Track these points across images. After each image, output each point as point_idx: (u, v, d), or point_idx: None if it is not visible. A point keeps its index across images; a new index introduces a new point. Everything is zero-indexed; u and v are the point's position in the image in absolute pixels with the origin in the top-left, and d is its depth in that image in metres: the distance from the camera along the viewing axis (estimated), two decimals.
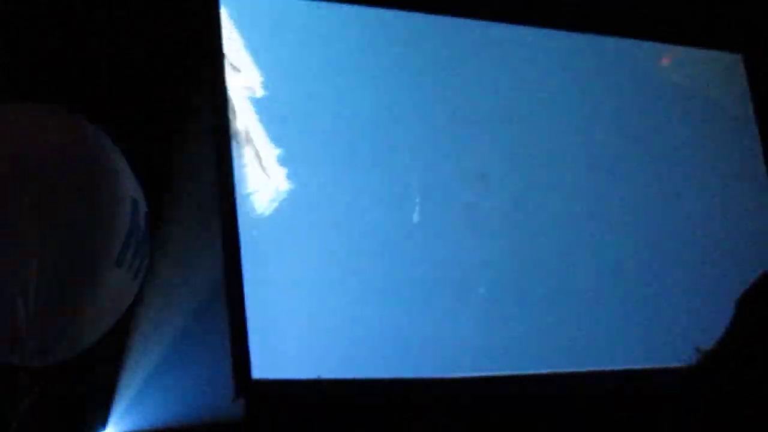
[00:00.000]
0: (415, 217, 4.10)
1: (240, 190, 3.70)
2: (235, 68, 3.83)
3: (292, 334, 3.66)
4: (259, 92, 3.88)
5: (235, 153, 3.73)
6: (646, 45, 4.83)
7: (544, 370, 4.02)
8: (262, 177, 3.76)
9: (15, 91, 3.17)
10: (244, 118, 3.80)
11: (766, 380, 1.14)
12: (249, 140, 3.76)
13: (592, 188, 4.40)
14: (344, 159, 3.94)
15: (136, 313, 3.43)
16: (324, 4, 4.07)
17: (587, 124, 4.56)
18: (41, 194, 2.69)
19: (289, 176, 3.82)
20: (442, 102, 4.21)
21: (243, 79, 3.84)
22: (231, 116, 3.71)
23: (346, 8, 4.10)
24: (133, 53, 3.62)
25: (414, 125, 4.11)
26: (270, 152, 3.81)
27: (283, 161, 3.83)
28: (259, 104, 3.86)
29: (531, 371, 4.01)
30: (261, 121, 3.84)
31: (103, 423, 3.43)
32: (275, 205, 3.81)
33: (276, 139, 3.84)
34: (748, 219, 4.71)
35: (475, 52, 4.36)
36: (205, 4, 3.81)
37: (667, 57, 4.88)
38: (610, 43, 4.74)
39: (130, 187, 2.89)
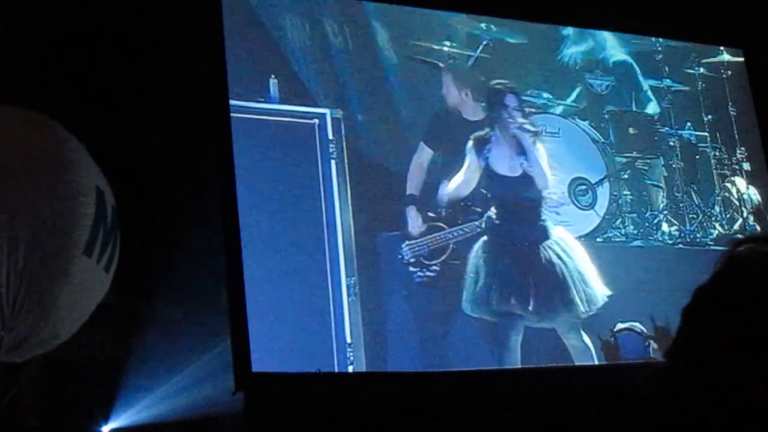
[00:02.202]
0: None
1: (240, 186, 3.81)
2: None
3: (292, 329, 3.71)
4: None
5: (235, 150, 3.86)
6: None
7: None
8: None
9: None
10: None
11: (723, 378, 1.14)
12: None
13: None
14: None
15: (137, 309, 3.46)
16: None
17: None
18: (2, 187, 2.71)
19: None
20: None
21: None
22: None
23: None
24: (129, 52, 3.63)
25: None
26: None
27: None
28: None
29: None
30: None
31: (105, 417, 3.45)
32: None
33: None
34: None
35: None
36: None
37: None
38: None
39: (94, 177, 2.89)
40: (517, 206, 4.60)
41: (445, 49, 4.75)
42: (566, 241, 4.65)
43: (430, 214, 4.41)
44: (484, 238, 4.48)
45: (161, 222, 3.58)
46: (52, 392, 3.36)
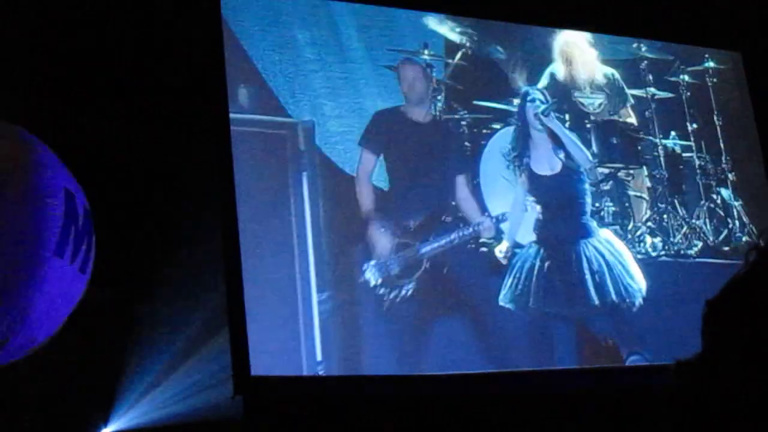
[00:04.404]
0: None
1: (240, 186, 3.77)
2: None
3: (291, 332, 3.70)
4: None
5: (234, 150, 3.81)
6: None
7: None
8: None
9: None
10: None
11: (743, 391, 1.13)
12: None
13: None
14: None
15: (136, 312, 3.47)
16: None
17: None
18: None
19: None
20: None
21: None
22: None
23: None
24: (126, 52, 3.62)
25: None
26: None
27: None
28: None
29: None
30: None
31: (104, 420, 3.45)
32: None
33: None
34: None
35: None
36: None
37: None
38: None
39: (62, 179, 2.89)
40: (560, 205, 4.58)
41: (422, 56, 4.62)
42: (611, 242, 4.62)
43: (396, 229, 4.27)
44: (532, 239, 4.47)
45: (160, 224, 3.59)
46: (50, 394, 3.36)
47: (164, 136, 3.60)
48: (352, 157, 4.30)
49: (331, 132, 4.28)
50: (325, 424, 3.55)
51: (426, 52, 4.61)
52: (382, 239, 4.15)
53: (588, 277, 4.50)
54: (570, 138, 4.70)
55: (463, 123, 4.60)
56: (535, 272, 4.40)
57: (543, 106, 4.66)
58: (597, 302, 4.50)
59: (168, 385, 3.54)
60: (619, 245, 4.67)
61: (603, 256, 4.55)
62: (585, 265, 4.50)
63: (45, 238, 2.80)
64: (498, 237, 4.44)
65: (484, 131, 4.65)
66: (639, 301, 4.60)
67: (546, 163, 4.62)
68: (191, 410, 3.47)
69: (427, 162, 4.41)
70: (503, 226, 4.45)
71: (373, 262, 4.10)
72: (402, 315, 4.09)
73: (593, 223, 4.65)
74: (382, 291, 4.03)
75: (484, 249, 4.42)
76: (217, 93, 3.81)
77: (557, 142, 4.67)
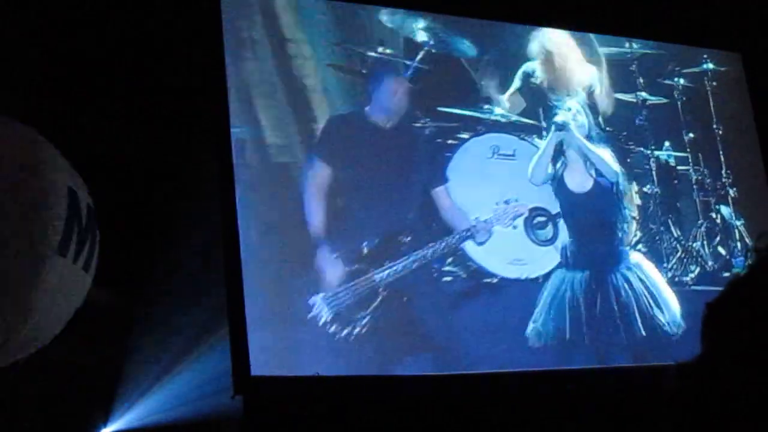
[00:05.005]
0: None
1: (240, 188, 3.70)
2: None
3: (291, 332, 3.67)
4: None
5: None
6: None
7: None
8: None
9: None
10: None
11: (743, 392, 1.16)
12: None
13: None
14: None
15: (135, 312, 3.55)
16: None
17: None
18: None
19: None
20: None
21: None
22: None
23: None
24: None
25: None
26: None
27: None
28: None
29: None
30: None
31: (104, 420, 3.52)
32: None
33: None
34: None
35: None
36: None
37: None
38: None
39: (65, 178, 2.91)
40: (591, 227, 4.41)
41: (377, 55, 4.21)
42: (642, 267, 4.44)
43: (350, 253, 3.90)
44: (558, 263, 4.29)
45: (160, 225, 3.65)
46: (50, 394, 3.44)
47: (164, 136, 3.66)
48: (294, 171, 3.94)
49: (270, 144, 3.93)
50: (324, 424, 3.59)
51: (381, 50, 4.22)
52: (333, 266, 3.82)
53: (616, 308, 4.31)
54: (597, 155, 4.51)
55: (426, 132, 4.23)
56: (567, 302, 4.24)
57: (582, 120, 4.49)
58: (623, 335, 4.32)
59: (168, 385, 3.59)
60: (651, 271, 4.47)
61: (631, 285, 4.36)
62: (612, 296, 4.31)
63: (47, 236, 2.81)
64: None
65: (450, 141, 4.28)
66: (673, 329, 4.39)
67: (579, 179, 4.43)
68: (191, 410, 3.53)
69: (388, 174, 4.10)
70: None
71: (321, 295, 3.77)
72: (357, 356, 3.81)
73: (625, 248, 4.46)
74: (333, 328, 3.75)
75: (447, 278, 4.09)
76: (218, 93, 3.76)
77: (587, 159, 4.50)
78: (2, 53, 3.47)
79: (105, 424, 3.52)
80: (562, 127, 4.43)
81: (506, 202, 4.23)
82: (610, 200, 4.50)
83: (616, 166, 4.54)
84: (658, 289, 4.42)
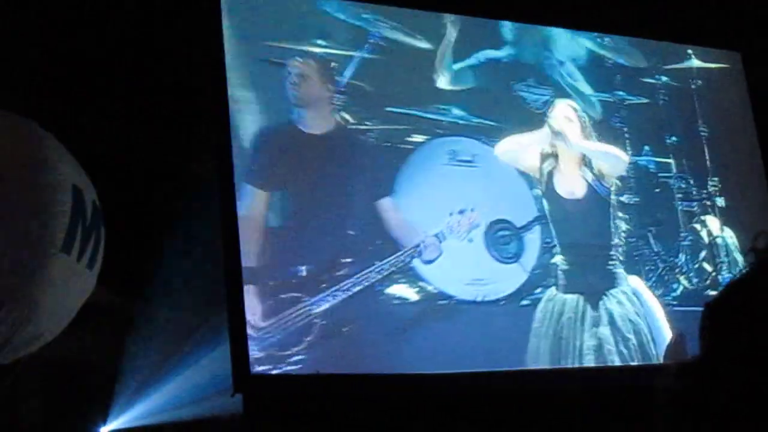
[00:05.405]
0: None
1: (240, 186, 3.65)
2: None
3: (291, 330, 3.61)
4: None
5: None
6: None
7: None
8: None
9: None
10: None
11: (743, 392, 1.16)
12: None
13: None
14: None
15: (136, 310, 3.61)
16: None
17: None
18: None
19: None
20: None
21: None
22: None
23: None
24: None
25: None
26: None
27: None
28: None
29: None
30: None
31: (103, 419, 3.56)
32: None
33: None
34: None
35: None
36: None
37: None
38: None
39: (70, 175, 2.97)
40: (583, 245, 4.17)
41: (316, 50, 3.88)
42: (640, 293, 4.21)
43: (284, 280, 3.64)
44: (550, 288, 4.03)
45: (159, 223, 3.69)
46: (50, 394, 3.53)
47: (164, 136, 3.72)
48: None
49: None
50: (324, 423, 3.60)
51: (321, 43, 3.92)
52: (260, 299, 3.60)
53: (611, 338, 4.08)
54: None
55: (371, 136, 3.90)
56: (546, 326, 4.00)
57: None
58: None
59: (167, 383, 3.62)
60: (649, 299, 4.23)
61: (627, 315, 4.13)
62: (606, 323, 4.07)
63: (52, 234, 2.86)
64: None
65: (400, 146, 3.96)
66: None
67: (571, 184, 4.20)
68: (191, 408, 3.57)
69: (326, 188, 3.81)
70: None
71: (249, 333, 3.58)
72: None
73: (620, 270, 4.22)
74: (261, 369, 3.56)
75: (394, 302, 3.77)
76: (218, 93, 3.71)
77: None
78: (2, 53, 3.53)
79: (104, 422, 3.58)
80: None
81: (460, 212, 3.88)
82: (604, 208, 4.27)
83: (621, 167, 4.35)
84: (653, 317, 4.21)
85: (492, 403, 3.80)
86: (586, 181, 4.25)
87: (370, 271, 3.70)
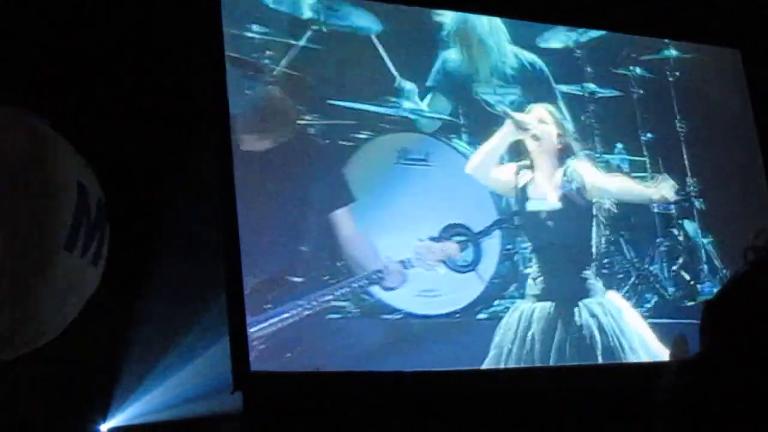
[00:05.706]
0: None
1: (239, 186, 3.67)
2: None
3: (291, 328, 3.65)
4: None
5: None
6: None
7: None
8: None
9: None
10: None
11: (743, 391, 1.18)
12: None
13: None
14: None
15: (135, 308, 3.65)
16: None
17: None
18: None
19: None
20: None
21: None
22: None
23: None
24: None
25: None
26: None
27: None
28: None
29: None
30: None
31: (103, 416, 3.59)
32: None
33: None
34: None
35: None
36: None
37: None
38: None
39: (75, 172, 3.02)
40: (554, 251, 3.99)
41: (250, 35, 3.71)
42: (614, 303, 4.05)
43: None
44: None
45: (159, 221, 3.74)
46: (50, 391, 3.56)
47: (164, 136, 3.75)
48: None
49: None
50: (324, 420, 3.64)
51: (256, 29, 3.75)
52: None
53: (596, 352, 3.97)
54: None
55: (312, 132, 3.70)
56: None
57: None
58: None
59: (167, 381, 3.65)
60: (629, 315, 4.05)
61: (603, 330, 3.96)
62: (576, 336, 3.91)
63: (55, 232, 2.90)
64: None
65: (343, 143, 3.75)
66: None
67: (546, 189, 4.04)
68: (190, 406, 3.58)
69: (279, 195, 3.71)
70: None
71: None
72: None
73: (598, 283, 4.05)
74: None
75: (332, 316, 3.62)
76: (218, 93, 3.72)
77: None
78: (2, 53, 3.57)
79: (104, 420, 3.61)
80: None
81: (433, 239, 3.69)
82: (582, 215, 4.11)
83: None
84: (630, 330, 4.04)
85: (492, 403, 3.83)
86: (559, 184, 4.06)
87: (323, 294, 3.58)
